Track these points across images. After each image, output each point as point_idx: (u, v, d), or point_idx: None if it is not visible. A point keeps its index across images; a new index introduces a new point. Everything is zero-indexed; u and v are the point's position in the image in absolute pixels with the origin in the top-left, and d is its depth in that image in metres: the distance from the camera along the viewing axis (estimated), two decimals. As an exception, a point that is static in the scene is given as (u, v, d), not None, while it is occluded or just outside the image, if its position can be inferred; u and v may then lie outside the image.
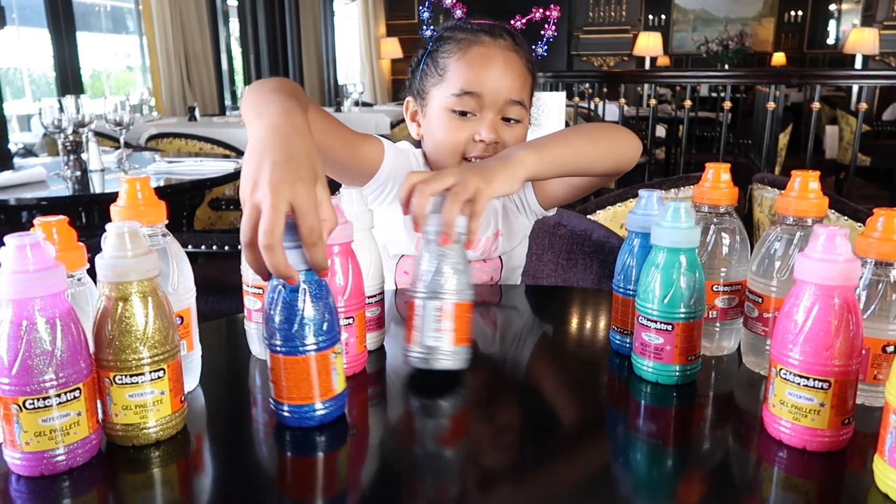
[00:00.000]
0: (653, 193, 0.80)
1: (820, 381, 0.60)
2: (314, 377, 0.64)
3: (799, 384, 0.61)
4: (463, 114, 1.06)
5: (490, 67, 1.05)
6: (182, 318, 0.72)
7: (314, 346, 0.63)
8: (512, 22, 1.13)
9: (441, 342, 0.74)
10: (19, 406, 0.55)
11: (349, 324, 0.76)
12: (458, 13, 1.14)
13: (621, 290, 0.83)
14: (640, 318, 0.75)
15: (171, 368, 0.62)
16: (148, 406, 0.61)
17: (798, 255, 0.61)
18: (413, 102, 1.16)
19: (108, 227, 0.61)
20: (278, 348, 0.63)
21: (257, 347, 0.83)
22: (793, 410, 0.62)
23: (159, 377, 0.61)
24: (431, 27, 1.14)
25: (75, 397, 0.57)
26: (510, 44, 1.08)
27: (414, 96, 1.15)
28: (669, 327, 0.73)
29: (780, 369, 0.62)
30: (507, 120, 1.08)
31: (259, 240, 0.58)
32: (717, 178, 0.82)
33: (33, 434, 0.56)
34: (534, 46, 1.15)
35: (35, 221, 0.62)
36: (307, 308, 0.63)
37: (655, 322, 0.73)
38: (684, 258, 0.72)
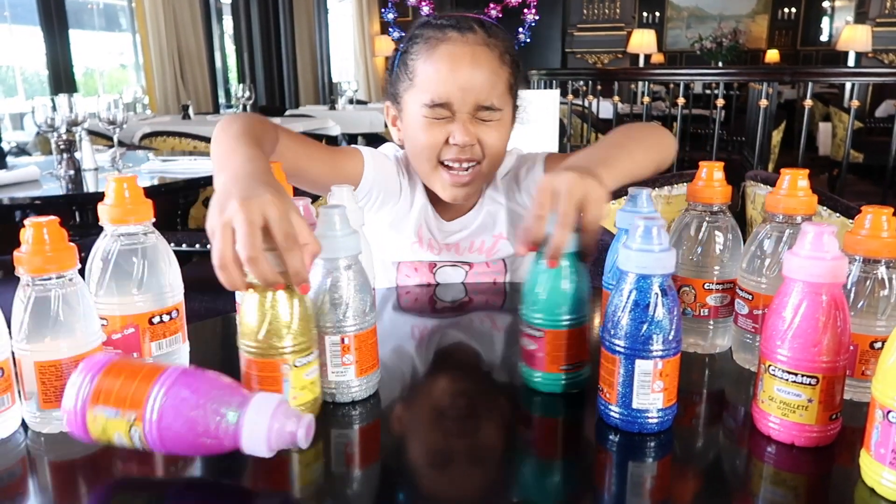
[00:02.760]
0: (642, 191, 0.80)
1: (808, 377, 0.60)
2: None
3: (787, 380, 0.61)
4: (437, 115, 1.03)
5: (457, 69, 1.01)
6: (178, 310, 0.74)
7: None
8: (489, 7, 1.08)
9: (346, 376, 0.71)
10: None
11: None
12: (426, 9, 1.10)
13: (611, 287, 0.83)
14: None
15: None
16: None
17: (787, 253, 0.62)
18: (392, 107, 1.13)
19: None
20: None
21: None
22: (781, 406, 0.62)
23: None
24: (398, 28, 1.12)
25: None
26: (480, 37, 1.03)
27: (391, 101, 1.13)
28: (540, 333, 0.72)
29: (769, 366, 0.63)
30: (486, 116, 1.04)
31: (242, 254, 0.59)
32: (711, 177, 0.82)
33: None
34: (518, 32, 1.11)
35: (26, 222, 0.62)
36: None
37: (527, 326, 0.73)
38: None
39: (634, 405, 0.64)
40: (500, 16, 1.04)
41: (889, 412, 0.53)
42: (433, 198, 1.15)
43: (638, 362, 0.63)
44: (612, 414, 0.65)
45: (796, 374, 0.61)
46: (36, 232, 0.62)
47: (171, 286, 0.74)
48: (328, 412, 0.70)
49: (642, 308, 0.62)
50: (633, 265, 0.62)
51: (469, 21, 1.05)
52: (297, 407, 0.65)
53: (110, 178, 0.70)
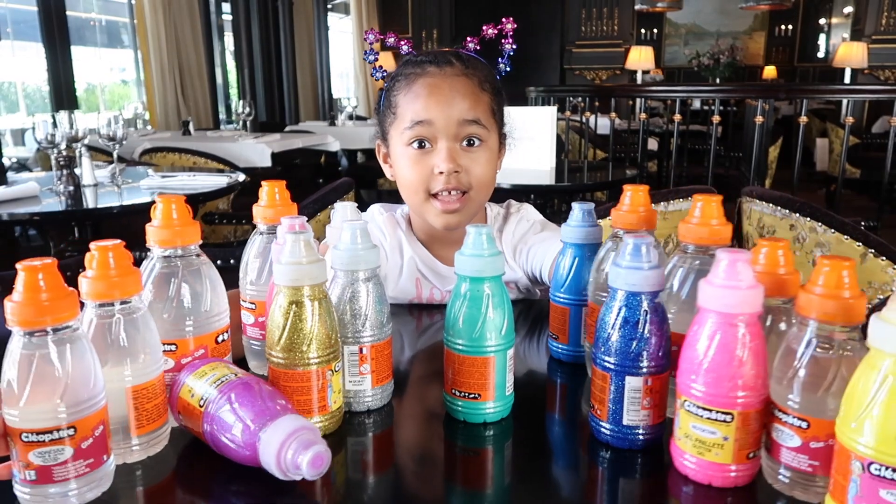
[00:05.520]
0: (582, 206, 0.82)
1: (722, 413, 0.57)
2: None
3: (701, 416, 0.58)
4: (421, 146, 1.04)
5: (436, 95, 1.03)
6: (222, 336, 0.73)
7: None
8: (466, 41, 1.10)
9: (363, 385, 0.72)
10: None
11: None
12: (405, 48, 1.12)
13: (552, 297, 0.86)
14: None
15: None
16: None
17: (701, 282, 0.58)
18: (382, 145, 1.15)
19: (285, 235, 0.65)
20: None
21: (255, 362, 0.83)
22: (696, 444, 0.59)
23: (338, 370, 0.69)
24: (381, 69, 1.13)
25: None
26: (458, 69, 1.05)
27: (381, 139, 1.15)
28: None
29: (685, 401, 0.59)
30: (470, 144, 1.05)
31: None
32: (637, 202, 0.77)
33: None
34: (499, 62, 1.13)
35: (91, 246, 0.60)
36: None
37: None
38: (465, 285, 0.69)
39: (625, 422, 0.64)
40: (479, 48, 1.05)
41: (870, 464, 0.48)
42: (429, 244, 1.16)
43: (628, 379, 0.63)
44: (603, 431, 0.65)
45: (710, 410, 0.57)
46: (101, 256, 0.60)
47: (223, 304, 0.73)
48: (344, 420, 0.71)
49: (632, 325, 0.62)
50: (622, 282, 0.62)
51: (447, 55, 1.07)
52: (335, 411, 0.68)
53: (158, 199, 0.67)
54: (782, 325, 0.62)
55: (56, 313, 0.53)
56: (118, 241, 0.61)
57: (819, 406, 0.55)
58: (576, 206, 0.83)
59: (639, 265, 0.62)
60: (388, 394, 0.75)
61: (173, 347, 0.68)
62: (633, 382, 0.63)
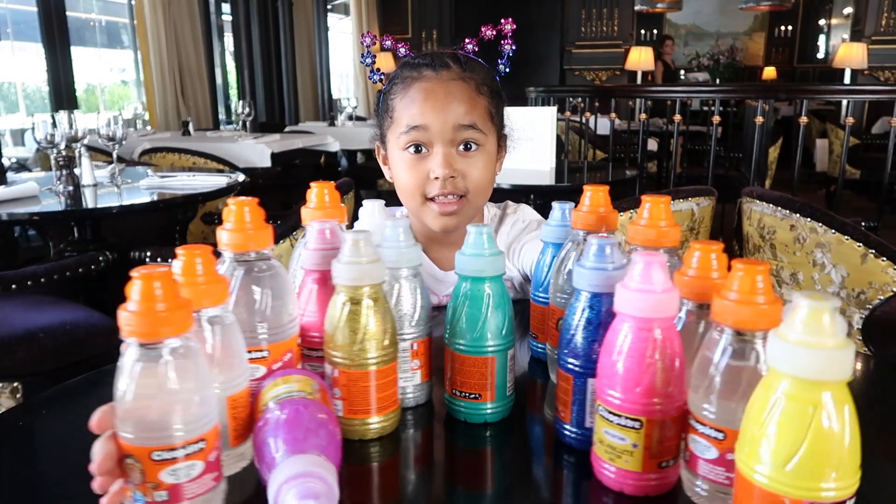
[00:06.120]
0: (564, 205, 0.82)
1: (631, 419, 0.55)
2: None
3: (612, 422, 0.56)
4: (417, 150, 1.04)
5: (431, 100, 1.03)
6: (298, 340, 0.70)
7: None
8: (465, 42, 1.09)
9: (414, 380, 0.73)
10: None
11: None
12: (402, 51, 1.11)
13: (533, 296, 0.86)
14: None
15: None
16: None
17: (617, 285, 0.57)
18: (380, 147, 1.16)
19: (345, 234, 0.65)
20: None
21: None
22: (608, 450, 0.58)
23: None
24: (378, 71, 1.13)
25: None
26: (455, 72, 1.05)
27: (380, 141, 1.15)
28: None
29: (599, 405, 0.58)
30: (467, 149, 1.05)
31: None
32: (597, 203, 0.75)
33: None
34: (498, 63, 1.12)
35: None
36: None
37: None
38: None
39: (588, 424, 0.62)
40: (477, 49, 1.04)
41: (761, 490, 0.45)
42: (426, 246, 1.16)
43: (590, 381, 0.61)
44: (566, 433, 0.65)
45: (620, 416, 0.56)
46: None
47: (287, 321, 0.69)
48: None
49: (594, 326, 0.61)
50: (586, 283, 0.61)
51: (443, 58, 1.06)
52: (394, 411, 0.68)
53: (231, 202, 0.64)
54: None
55: (174, 324, 0.49)
56: (207, 245, 0.58)
57: (735, 417, 0.52)
58: (556, 205, 0.83)
59: (603, 266, 0.61)
60: (430, 389, 0.76)
61: (265, 354, 0.65)
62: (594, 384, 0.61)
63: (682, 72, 8.82)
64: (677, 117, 3.53)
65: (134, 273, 0.49)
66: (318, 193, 0.76)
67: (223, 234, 0.63)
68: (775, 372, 0.44)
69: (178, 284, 0.51)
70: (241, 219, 0.63)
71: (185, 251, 0.56)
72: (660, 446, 0.56)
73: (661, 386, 0.54)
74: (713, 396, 0.53)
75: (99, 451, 0.51)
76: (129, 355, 0.50)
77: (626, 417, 0.55)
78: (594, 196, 0.75)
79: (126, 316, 0.48)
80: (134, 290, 0.49)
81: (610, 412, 0.56)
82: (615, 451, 0.57)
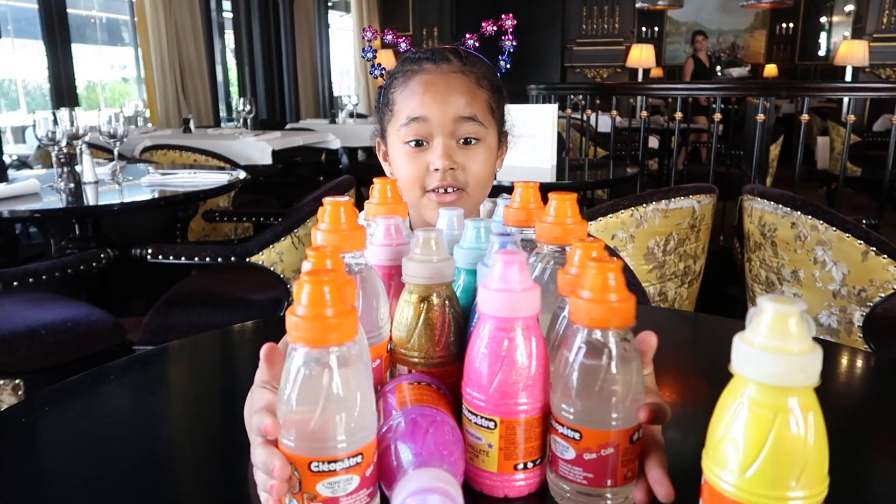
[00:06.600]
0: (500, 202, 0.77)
1: (486, 419, 0.55)
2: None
3: (471, 421, 0.56)
4: (418, 144, 1.04)
5: (431, 91, 1.03)
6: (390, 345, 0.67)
7: None
8: (466, 38, 1.09)
9: None
10: None
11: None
12: (403, 45, 1.12)
13: None
14: None
15: None
16: None
17: (479, 286, 0.56)
18: (381, 143, 1.16)
19: (416, 232, 0.62)
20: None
21: None
22: (469, 449, 0.57)
23: None
24: (379, 66, 1.13)
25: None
26: (455, 66, 1.05)
27: (380, 136, 1.15)
28: None
29: (463, 404, 0.58)
30: (467, 143, 1.04)
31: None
32: (527, 200, 0.72)
33: None
34: (499, 59, 1.12)
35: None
36: None
37: None
38: None
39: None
40: (478, 44, 1.04)
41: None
42: None
43: None
44: None
45: (477, 416, 0.56)
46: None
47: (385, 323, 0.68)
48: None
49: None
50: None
51: (444, 52, 1.07)
52: None
53: (327, 202, 0.62)
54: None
55: (341, 331, 0.48)
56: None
57: (590, 416, 0.52)
58: (501, 201, 0.77)
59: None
60: None
61: (376, 362, 0.63)
62: None
63: (719, 68, 8.79)
64: (678, 115, 3.53)
65: (303, 277, 0.48)
66: (381, 189, 0.73)
67: (318, 235, 0.61)
68: (739, 377, 0.42)
69: (342, 290, 0.49)
70: (335, 219, 0.61)
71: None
72: (515, 448, 0.55)
73: (514, 386, 0.54)
74: (570, 396, 0.53)
75: (275, 456, 0.49)
76: (295, 361, 0.49)
77: (482, 417, 0.55)
78: (524, 193, 0.72)
79: (294, 321, 0.47)
80: (303, 294, 0.47)
81: (469, 411, 0.57)
82: (473, 451, 0.57)
